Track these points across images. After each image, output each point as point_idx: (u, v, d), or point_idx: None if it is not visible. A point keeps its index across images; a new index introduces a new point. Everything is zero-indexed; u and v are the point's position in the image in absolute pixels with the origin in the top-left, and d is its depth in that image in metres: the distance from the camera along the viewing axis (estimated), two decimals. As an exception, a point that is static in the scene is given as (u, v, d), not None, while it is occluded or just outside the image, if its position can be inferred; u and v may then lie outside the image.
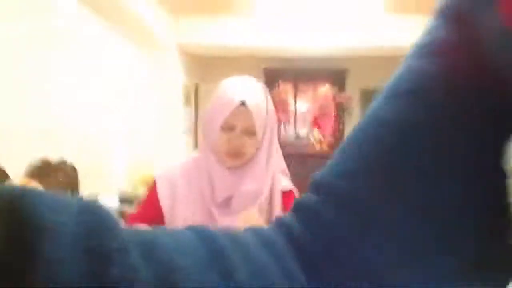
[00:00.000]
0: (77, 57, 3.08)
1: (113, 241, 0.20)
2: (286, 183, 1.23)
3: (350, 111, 5.29)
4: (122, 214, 2.76)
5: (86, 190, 2.92)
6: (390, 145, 0.29)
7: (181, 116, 4.72)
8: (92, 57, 3.34)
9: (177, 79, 4.62)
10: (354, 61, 5.11)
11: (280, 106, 5.42)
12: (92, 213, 0.20)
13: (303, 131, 5.42)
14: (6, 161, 2.29)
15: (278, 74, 5.38)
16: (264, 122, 1.14)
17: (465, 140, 0.27)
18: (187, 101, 4.93)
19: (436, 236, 0.27)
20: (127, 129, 4.11)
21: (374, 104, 0.32)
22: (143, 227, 0.93)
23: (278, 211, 1.18)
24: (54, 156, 2.68)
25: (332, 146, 4.95)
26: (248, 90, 1.13)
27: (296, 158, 5.04)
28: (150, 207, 1.17)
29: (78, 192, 2.84)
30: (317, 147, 5.07)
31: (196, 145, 5.06)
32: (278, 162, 1.23)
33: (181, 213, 1.15)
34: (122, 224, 0.22)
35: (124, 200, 3.12)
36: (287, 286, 0.27)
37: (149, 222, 1.14)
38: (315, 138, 5.17)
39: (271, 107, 1.17)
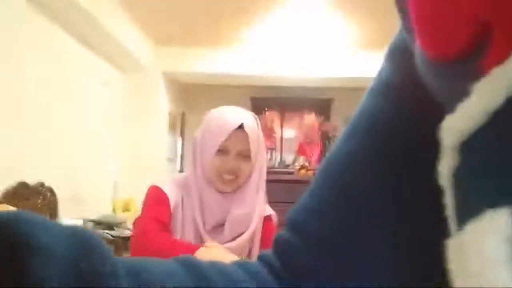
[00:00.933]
0: (60, 82, 3.10)
1: (104, 265, 0.20)
2: (267, 208, 1.24)
3: (334, 139, 5.33)
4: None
5: (64, 213, 2.89)
6: (345, 184, 0.30)
7: (166, 143, 4.73)
8: (77, 83, 3.37)
9: (162, 107, 4.65)
10: (339, 91, 5.20)
11: (266, 133, 5.46)
12: (83, 237, 0.21)
13: (289, 158, 5.44)
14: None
15: (265, 103, 5.44)
16: (257, 148, 1.15)
17: (416, 173, 0.28)
18: (172, 128, 4.95)
19: (403, 264, 0.28)
20: (109, 154, 4.10)
21: (334, 145, 0.34)
22: (160, 229, 0.88)
23: (258, 237, 1.18)
24: (32, 180, 2.66)
25: (317, 174, 4.96)
26: (244, 115, 1.14)
27: (282, 184, 5.04)
28: (162, 206, 1.11)
29: (57, 216, 2.80)
30: (303, 174, 5.08)
31: (181, 172, 5.04)
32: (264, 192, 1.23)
33: (178, 229, 1.12)
34: (111, 250, 0.22)
35: (103, 223, 3.08)
36: None
37: (164, 221, 1.09)
38: (301, 165, 5.18)
39: (262, 136, 1.19)
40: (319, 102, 5.37)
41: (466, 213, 0.18)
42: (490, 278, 0.16)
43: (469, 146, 0.19)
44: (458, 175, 0.19)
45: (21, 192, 2.53)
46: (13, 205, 2.19)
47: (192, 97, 5.42)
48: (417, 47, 0.24)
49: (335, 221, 0.30)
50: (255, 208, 1.16)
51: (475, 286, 0.16)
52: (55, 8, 2.89)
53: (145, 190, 1.16)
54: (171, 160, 5.06)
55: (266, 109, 5.47)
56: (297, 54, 4.46)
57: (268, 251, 0.33)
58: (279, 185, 5.23)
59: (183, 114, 5.34)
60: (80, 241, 0.20)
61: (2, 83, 2.44)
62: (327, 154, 0.34)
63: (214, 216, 1.13)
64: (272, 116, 5.49)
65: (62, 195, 2.90)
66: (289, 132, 5.53)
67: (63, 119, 3.13)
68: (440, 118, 0.21)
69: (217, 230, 1.13)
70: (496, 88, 0.18)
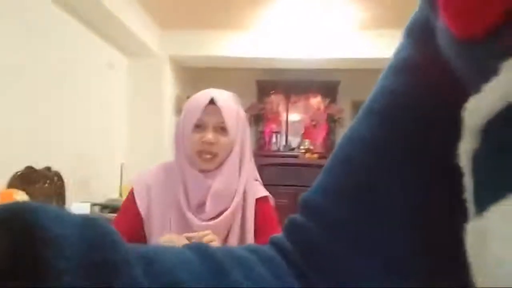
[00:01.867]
0: (64, 66, 3.10)
1: (117, 254, 0.20)
2: (261, 189, 1.25)
3: (341, 122, 5.31)
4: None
5: (71, 198, 2.92)
6: (365, 164, 0.30)
7: (172, 127, 4.73)
8: (82, 67, 3.36)
9: (168, 90, 4.65)
10: (346, 73, 5.16)
11: (272, 116, 5.45)
12: (96, 227, 0.21)
13: (294, 141, 5.44)
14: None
15: (271, 86, 5.42)
16: (235, 123, 1.17)
17: (435, 154, 0.28)
18: (178, 112, 4.96)
19: (416, 250, 0.28)
20: (116, 138, 4.12)
21: (352, 123, 0.33)
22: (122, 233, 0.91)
23: (251, 217, 1.18)
24: (39, 164, 2.68)
25: (322, 157, 4.96)
26: (216, 91, 1.19)
27: (288, 167, 5.05)
28: (129, 214, 1.16)
29: (64, 200, 2.84)
30: (308, 157, 5.08)
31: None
32: (252, 170, 1.25)
33: (157, 219, 1.15)
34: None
35: (109, 207, 3.11)
36: None
37: (129, 228, 1.14)
38: (306, 148, 5.18)
39: (243, 114, 1.21)
40: (325, 85, 5.33)
41: (487, 197, 0.18)
42: None
43: (493, 128, 0.18)
44: (479, 158, 0.19)
45: (28, 177, 2.56)
46: (21, 190, 2.22)
47: (199, 80, 5.40)
48: (442, 26, 0.23)
49: (353, 204, 0.29)
50: (237, 183, 1.17)
51: (495, 272, 0.16)
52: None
53: (139, 172, 1.23)
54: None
55: (272, 92, 5.45)
56: (303, 37, 4.42)
57: (279, 236, 0.33)
58: (284, 168, 5.26)
59: (189, 98, 5.33)
60: (93, 230, 0.20)
61: (5, 68, 2.44)
62: (344, 134, 0.33)
63: (197, 195, 1.14)
64: (278, 99, 5.46)
65: (69, 180, 2.93)
66: (295, 115, 5.51)
67: (68, 103, 3.14)
68: (462, 97, 0.20)
69: (201, 208, 1.15)
70: None
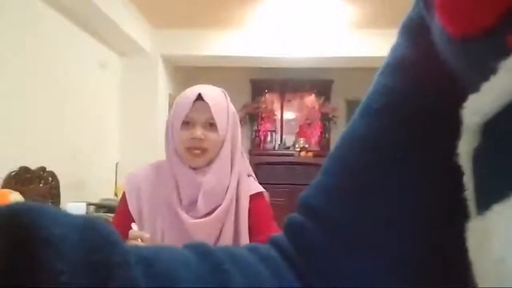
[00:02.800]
0: (58, 65, 3.08)
1: (116, 255, 0.20)
2: (254, 186, 1.23)
3: (335, 121, 5.33)
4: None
5: (66, 198, 2.91)
6: (364, 164, 0.30)
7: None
8: (75, 66, 3.35)
9: (162, 89, 4.63)
10: (339, 71, 5.17)
11: (267, 115, 5.45)
12: (95, 227, 0.21)
13: (289, 140, 5.45)
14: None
15: (265, 85, 5.42)
16: (225, 119, 1.16)
17: (434, 153, 0.28)
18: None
19: (416, 251, 0.28)
20: (110, 137, 4.10)
21: (350, 123, 0.33)
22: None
23: (244, 214, 1.17)
24: (33, 164, 2.67)
25: (318, 155, 4.98)
26: (204, 87, 1.17)
27: (283, 166, 5.06)
28: (122, 217, 1.16)
29: (59, 200, 2.83)
30: (303, 155, 5.09)
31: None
32: (245, 166, 1.23)
33: (149, 219, 1.14)
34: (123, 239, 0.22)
35: (105, 207, 3.10)
36: None
37: (125, 229, 1.13)
38: (301, 147, 5.19)
39: (232, 109, 1.20)
40: (319, 83, 5.34)
41: (487, 196, 0.18)
42: None
43: (493, 126, 0.18)
44: (480, 157, 0.19)
45: (23, 177, 2.55)
46: (15, 190, 2.21)
47: (192, 79, 5.39)
48: (437, 24, 0.23)
49: (353, 204, 0.29)
50: (229, 180, 1.16)
51: (496, 271, 0.16)
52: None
53: (129, 171, 1.23)
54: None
55: (266, 91, 5.45)
56: (297, 35, 4.42)
57: (279, 235, 0.32)
58: (279, 167, 5.26)
59: (182, 97, 5.33)
60: (92, 230, 0.20)
61: None
62: (342, 134, 0.33)
63: (188, 192, 1.13)
64: (272, 98, 5.47)
65: (64, 179, 2.92)
66: (290, 114, 5.51)
67: (61, 103, 3.12)
68: (460, 96, 0.20)
69: (192, 206, 1.14)
70: None
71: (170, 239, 1.12)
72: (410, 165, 0.28)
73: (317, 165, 4.65)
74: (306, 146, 5.20)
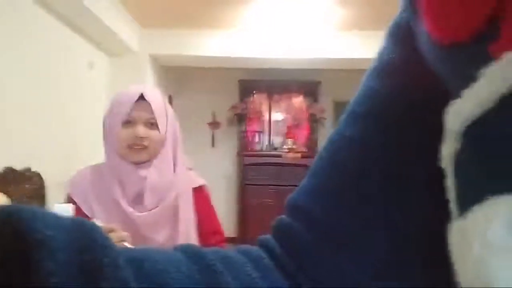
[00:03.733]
0: (46, 65, 3.05)
1: (105, 256, 0.20)
2: (196, 179, 1.28)
3: (323, 122, 5.36)
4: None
5: (53, 198, 2.87)
6: (351, 166, 0.30)
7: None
8: (63, 66, 3.31)
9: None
10: (326, 73, 5.20)
11: (255, 116, 5.45)
12: (83, 229, 0.21)
13: (277, 140, 5.46)
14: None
15: (253, 85, 5.42)
16: (164, 118, 1.19)
17: (421, 157, 0.28)
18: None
19: (404, 249, 0.28)
20: (96, 137, 4.07)
21: (337, 125, 0.33)
22: None
23: (189, 207, 1.22)
24: (19, 164, 2.64)
25: (306, 156, 5.00)
26: (145, 87, 1.20)
27: (271, 167, 5.07)
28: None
29: (45, 201, 2.79)
30: (291, 156, 5.11)
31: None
32: (186, 161, 1.27)
33: (100, 220, 1.15)
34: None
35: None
36: None
37: None
38: (289, 148, 5.21)
39: (171, 110, 1.23)
40: (307, 85, 5.37)
41: (468, 198, 0.18)
42: (492, 263, 0.16)
43: (474, 131, 0.19)
44: (461, 160, 0.19)
45: (8, 178, 2.52)
46: (0, 191, 2.18)
47: (180, 80, 5.37)
48: (423, 30, 0.23)
49: (340, 206, 0.30)
50: (172, 175, 1.19)
51: (476, 270, 0.16)
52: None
53: (72, 176, 1.24)
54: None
55: (254, 91, 5.45)
56: (285, 37, 4.44)
57: (268, 236, 0.33)
58: (267, 167, 5.26)
59: (170, 98, 5.30)
60: (83, 232, 0.20)
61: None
62: (329, 136, 0.33)
63: (132, 187, 1.15)
64: (260, 99, 5.47)
65: (50, 180, 2.88)
66: (277, 115, 5.53)
67: (49, 103, 3.09)
68: (444, 100, 0.21)
69: (139, 200, 1.16)
70: (506, 74, 0.17)
71: None
72: (397, 167, 0.29)
73: (305, 166, 4.67)
74: (294, 147, 5.22)
